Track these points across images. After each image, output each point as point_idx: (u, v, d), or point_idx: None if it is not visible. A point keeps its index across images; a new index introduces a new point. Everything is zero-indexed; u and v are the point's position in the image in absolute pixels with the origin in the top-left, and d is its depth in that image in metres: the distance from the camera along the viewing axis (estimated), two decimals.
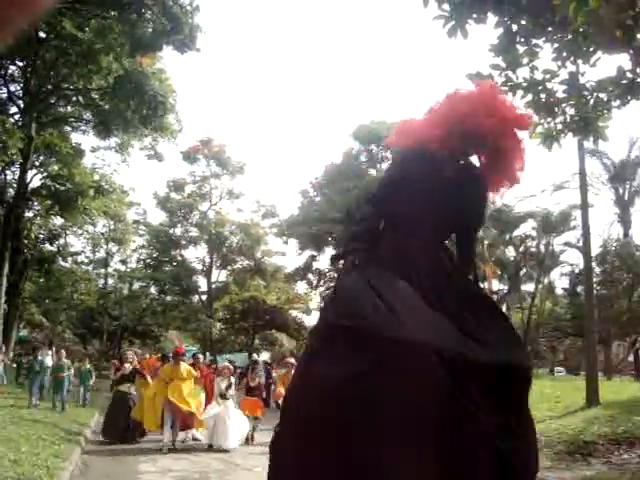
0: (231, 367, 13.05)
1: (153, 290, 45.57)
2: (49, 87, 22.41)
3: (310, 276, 42.87)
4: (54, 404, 15.77)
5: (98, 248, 42.42)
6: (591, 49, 5.27)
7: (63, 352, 18.19)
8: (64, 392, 16.01)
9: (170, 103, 22.47)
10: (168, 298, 45.03)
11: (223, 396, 11.38)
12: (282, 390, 13.18)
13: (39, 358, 17.66)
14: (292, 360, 14.05)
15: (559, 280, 41.31)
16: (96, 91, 22.32)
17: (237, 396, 12.61)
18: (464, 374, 2.42)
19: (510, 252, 38.51)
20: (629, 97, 5.52)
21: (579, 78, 5.61)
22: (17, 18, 0.68)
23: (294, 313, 45.35)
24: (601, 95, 5.61)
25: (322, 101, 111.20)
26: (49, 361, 18.89)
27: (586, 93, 5.63)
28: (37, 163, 24.60)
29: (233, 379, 12.21)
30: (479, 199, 3.25)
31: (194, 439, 11.84)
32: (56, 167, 24.33)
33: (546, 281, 39.64)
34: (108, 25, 18.64)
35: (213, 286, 44.92)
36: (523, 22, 5.44)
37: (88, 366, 19.48)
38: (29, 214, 25.76)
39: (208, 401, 12.35)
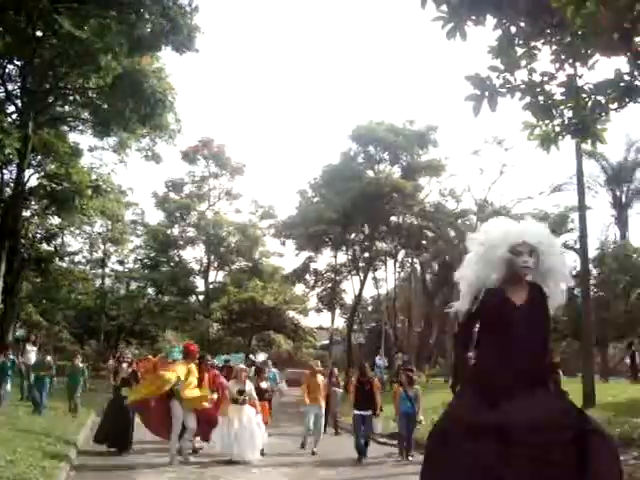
0: (247, 369, 11.81)
1: (150, 290, 45.55)
2: (47, 86, 22.38)
3: (307, 277, 42.88)
4: (35, 406, 14.37)
5: (95, 248, 42.40)
6: (589, 52, 5.27)
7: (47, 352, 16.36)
8: (44, 392, 14.54)
9: (169, 101, 22.43)
10: (165, 298, 45.03)
11: (236, 402, 10.16)
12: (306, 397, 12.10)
13: (11, 357, 15.80)
14: (319, 366, 13.14)
15: None
16: (94, 90, 22.29)
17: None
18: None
19: None
20: (627, 100, 5.53)
21: (577, 81, 5.61)
22: None
23: (291, 314, 45.36)
24: (599, 98, 5.61)
25: (320, 102, 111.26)
26: (32, 359, 17.55)
27: (584, 96, 5.63)
28: (34, 162, 24.55)
29: (250, 383, 10.87)
30: None
31: (194, 450, 10.77)
32: (53, 166, 24.30)
33: None
34: (107, 24, 18.61)
35: (210, 287, 44.93)
36: (521, 24, 5.45)
37: (81, 365, 16.87)
38: (26, 214, 25.70)
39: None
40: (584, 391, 13.32)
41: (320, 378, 12.39)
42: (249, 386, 10.58)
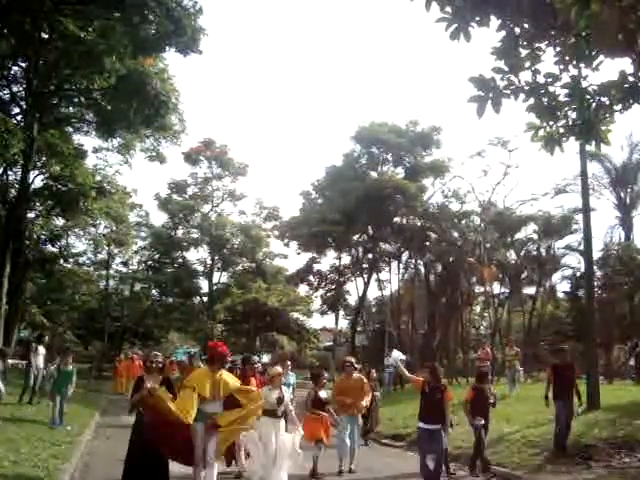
0: (283, 372, 9.59)
1: (154, 292, 45.64)
2: (51, 88, 22.44)
3: (311, 278, 42.89)
4: None
5: (100, 249, 42.47)
6: (593, 53, 5.27)
7: None
8: None
9: (172, 102, 22.47)
10: (169, 300, 45.12)
11: (272, 414, 8.05)
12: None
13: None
14: (351, 359, 11.20)
15: (560, 283, 41.36)
16: (98, 91, 22.34)
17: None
18: None
19: (511, 255, 38.51)
20: (631, 101, 5.52)
21: (581, 82, 5.60)
22: None
23: (295, 315, 45.36)
24: (603, 99, 5.61)
25: (323, 103, 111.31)
26: (42, 362, 15.99)
27: (588, 97, 5.62)
28: (39, 164, 24.61)
29: (287, 390, 8.98)
30: None
31: (237, 476, 9.02)
32: (58, 168, 24.34)
33: (547, 284, 39.62)
34: (111, 26, 18.66)
35: (214, 288, 44.95)
36: (525, 25, 5.44)
37: (70, 367, 13.67)
38: (31, 215, 25.77)
39: None
40: (588, 393, 13.26)
41: (357, 379, 10.43)
42: (286, 394, 8.62)
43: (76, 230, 34.09)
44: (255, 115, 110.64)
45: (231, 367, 11.69)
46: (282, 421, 8.19)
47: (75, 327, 47.08)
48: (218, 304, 44.46)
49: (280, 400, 8.15)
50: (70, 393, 13.41)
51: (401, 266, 40.00)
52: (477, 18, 5.26)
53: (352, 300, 44.76)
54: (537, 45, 5.51)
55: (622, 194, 36.16)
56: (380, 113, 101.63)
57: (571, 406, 10.53)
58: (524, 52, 5.50)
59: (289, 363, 14.99)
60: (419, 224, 36.75)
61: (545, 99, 5.65)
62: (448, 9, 5.14)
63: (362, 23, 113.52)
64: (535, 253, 37.52)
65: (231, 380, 7.50)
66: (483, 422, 9.85)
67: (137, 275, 45.57)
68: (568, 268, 38.14)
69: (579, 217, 28.96)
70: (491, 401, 10.35)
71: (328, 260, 42.72)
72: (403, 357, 9.99)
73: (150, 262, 45.21)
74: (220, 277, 46.23)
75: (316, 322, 49.73)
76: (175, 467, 7.58)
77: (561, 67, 5.56)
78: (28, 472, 7.82)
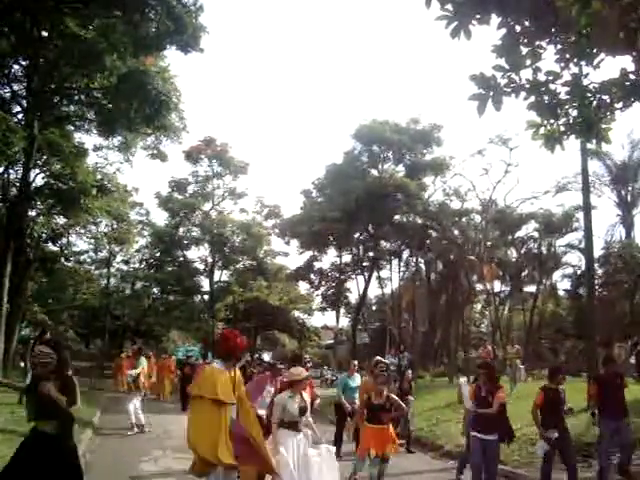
0: (304, 373, 6.92)
1: (155, 290, 45.63)
2: (52, 86, 22.43)
3: (312, 276, 42.88)
4: None
5: (101, 248, 42.49)
6: (594, 51, 5.26)
7: None
8: None
9: (173, 102, 22.44)
10: (170, 298, 45.11)
11: (293, 426, 6.45)
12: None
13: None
14: (381, 359, 10.05)
15: (561, 282, 41.40)
16: (99, 90, 22.35)
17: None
18: None
19: (512, 253, 38.52)
20: (632, 99, 5.52)
21: (582, 80, 5.60)
22: None
23: (296, 313, 45.37)
24: (604, 97, 5.60)
25: (324, 101, 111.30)
26: None
27: (589, 95, 5.62)
28: (40, 162, 24.60)
29: (307, 396, 6.95)
30: None
31: None
32: (59, 166, 24.35)
33: (548, 282, 39.64)
34: (111, 25, 18.65)
35: (215, 286, 44.96)
36: (526, 23, 5.43)
37: None
38: (32, 213, 25.77)
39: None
40: (588, 391, 13.27)
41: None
42: (308, 401, 6.83)
43: (77, 229, 34.09)
44: (256, 113, 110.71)
45: (243, 366, 11.41)
46: (307, 434, 6.63)
47: (76, 325, 47.10)
48: (219, 302, 44.45)
49: (303, 410, 6.52)
50: None
51: (402, 264, 40.04)
52: (477, 16, 5.25)
53: (353, 298, 44.81)
54: (538, 43, 5.50)
55: (623, 192, 36.18)
56: (381, 111, 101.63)
57: (627, 427, 8.65)
58: (525, 50, 5.49)
59: (355, 362, 12.67)
60: (420, 222, 36.72)
61: (546, 97, 5.65)
62: (448, 6, 5.13)
63: (363, 20, 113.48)
64: (536, 251, 37.54)
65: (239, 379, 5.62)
66: (557, 435, 7.78)
67: (138, 273, 45.55)
68: (569, 266, 38.22)
69: (580, 215, 29.05)
70: (567, 407, 8.37)
71: (329, 258, 42.74)
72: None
73: (151, 260, 45.18)
74: (221, 275, 46.25)
75: (317, 320, 49.91)
76: None
77: (562, 65, 5.55)
78: None
